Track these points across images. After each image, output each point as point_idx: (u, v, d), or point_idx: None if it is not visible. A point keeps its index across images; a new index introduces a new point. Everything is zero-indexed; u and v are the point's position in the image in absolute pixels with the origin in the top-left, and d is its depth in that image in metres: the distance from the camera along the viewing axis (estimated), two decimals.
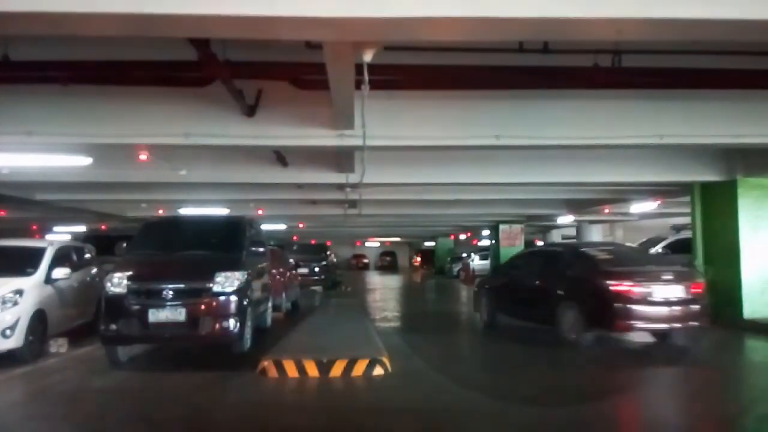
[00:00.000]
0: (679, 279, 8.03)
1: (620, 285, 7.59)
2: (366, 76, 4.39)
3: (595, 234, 23.57)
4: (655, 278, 7.91)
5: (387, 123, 6.73)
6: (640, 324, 7.71)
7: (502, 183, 11.95)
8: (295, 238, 30.46)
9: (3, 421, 5.45)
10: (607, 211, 17.14)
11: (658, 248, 15.10)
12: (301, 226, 22.70)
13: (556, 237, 29.60)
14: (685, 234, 13.88)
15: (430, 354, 8.31)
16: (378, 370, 6.58)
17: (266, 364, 6.63)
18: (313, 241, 29.45)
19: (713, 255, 11.10)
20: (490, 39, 4.63)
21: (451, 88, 6.48)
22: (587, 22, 3.48)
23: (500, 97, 6.83)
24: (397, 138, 7.00)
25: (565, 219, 19.63)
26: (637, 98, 6.83)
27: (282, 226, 21.66)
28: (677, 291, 7.82)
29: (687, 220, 13.39)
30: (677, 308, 7.71)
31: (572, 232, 26.59)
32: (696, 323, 7.86)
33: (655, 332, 8.37)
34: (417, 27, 3.53)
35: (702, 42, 5.32)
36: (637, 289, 7.56)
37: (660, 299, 7.69)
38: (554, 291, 8.53)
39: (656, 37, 4.23)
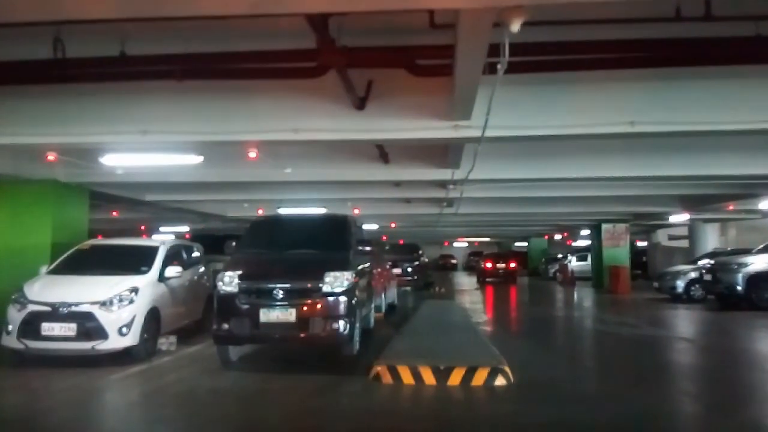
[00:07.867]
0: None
1: (486, 262, 26.85)
2: (506, 54, 3.90)
3: (710, 234, 21.64)
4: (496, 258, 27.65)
5: (506, 111, 6.16)
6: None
7: (610, 177, 10.93)
8: (383, 237, 30.28)
9: (126, 422, 5.44)
10: (731, 207, 15.58)
11: None
12: (393, 225, 22.44)
13: (662, 237, 27.67)
14: None
15: (550, 363, 7.68)
16: (500, 380, 6.06)
17: (380, 369, 6.28)
18: (401, 242, 29.14)
19: None
20: None
21: (586, 68, 5.74)
22: None
23: (634, 77, 6.09)
24: (517, 128, 6.45)
25: (679, 217, 18.07)
26: None
27: (374, 226, 21.48)
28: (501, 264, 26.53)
29: None
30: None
31: (678, 231, 24.70)
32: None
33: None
34: None
35: None
36: (489, 264, 26.39)
37: (498, 267, 26.11)
38: None
39: None
